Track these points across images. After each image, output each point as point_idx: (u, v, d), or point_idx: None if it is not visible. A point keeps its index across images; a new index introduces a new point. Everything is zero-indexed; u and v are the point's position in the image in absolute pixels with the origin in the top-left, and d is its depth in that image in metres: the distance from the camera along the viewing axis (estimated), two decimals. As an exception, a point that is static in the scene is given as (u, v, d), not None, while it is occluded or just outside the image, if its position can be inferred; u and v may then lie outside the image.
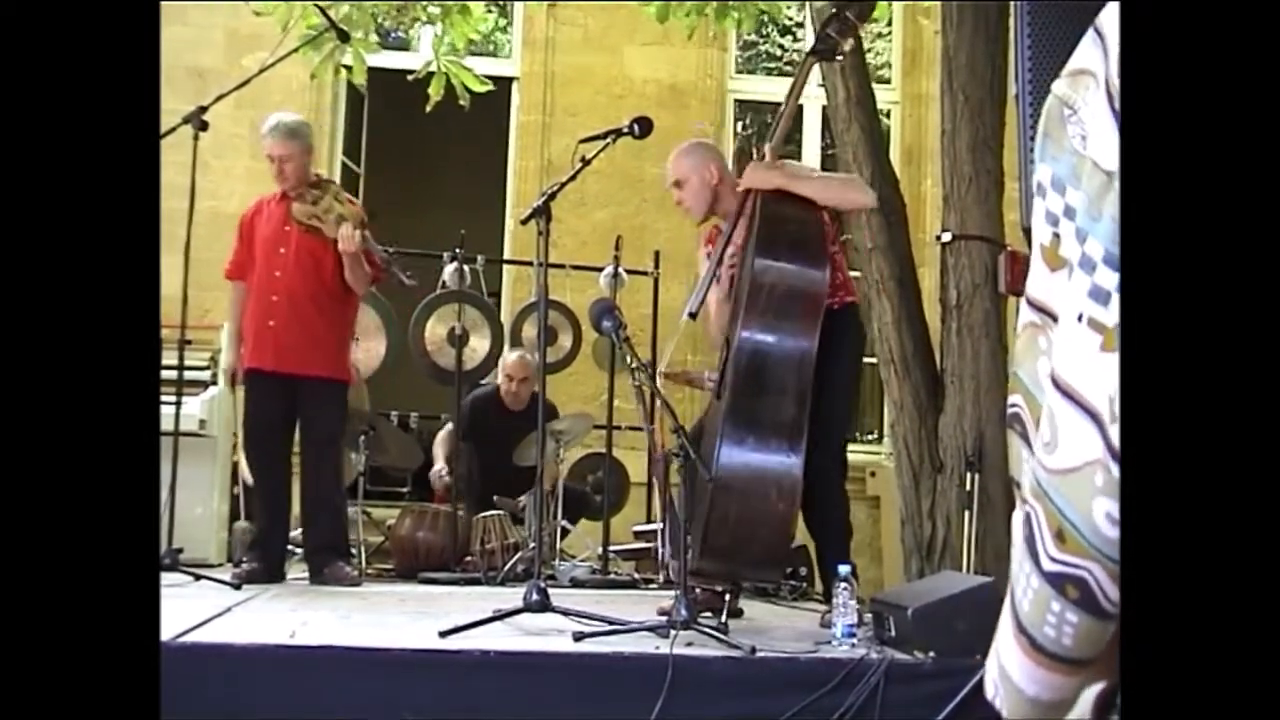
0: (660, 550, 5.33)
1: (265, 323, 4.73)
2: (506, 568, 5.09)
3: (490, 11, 6.97)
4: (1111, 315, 0.79)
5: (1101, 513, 0.78)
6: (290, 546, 5.03)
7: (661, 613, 3.37)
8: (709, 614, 3.42)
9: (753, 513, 3.41)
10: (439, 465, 5.90)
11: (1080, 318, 0.81)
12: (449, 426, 5.97)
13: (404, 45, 8.09)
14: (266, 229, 4.81)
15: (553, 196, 3.67)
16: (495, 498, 5.61)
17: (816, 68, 5.20)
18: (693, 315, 3.72)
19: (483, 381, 6.27)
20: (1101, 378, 0.79)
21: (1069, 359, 0.82)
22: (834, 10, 3.82)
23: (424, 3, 6.07)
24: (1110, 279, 0.80)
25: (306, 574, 4.79)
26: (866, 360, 4.25)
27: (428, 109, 5.82)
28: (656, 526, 5.66)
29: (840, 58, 4.05)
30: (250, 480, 5.10)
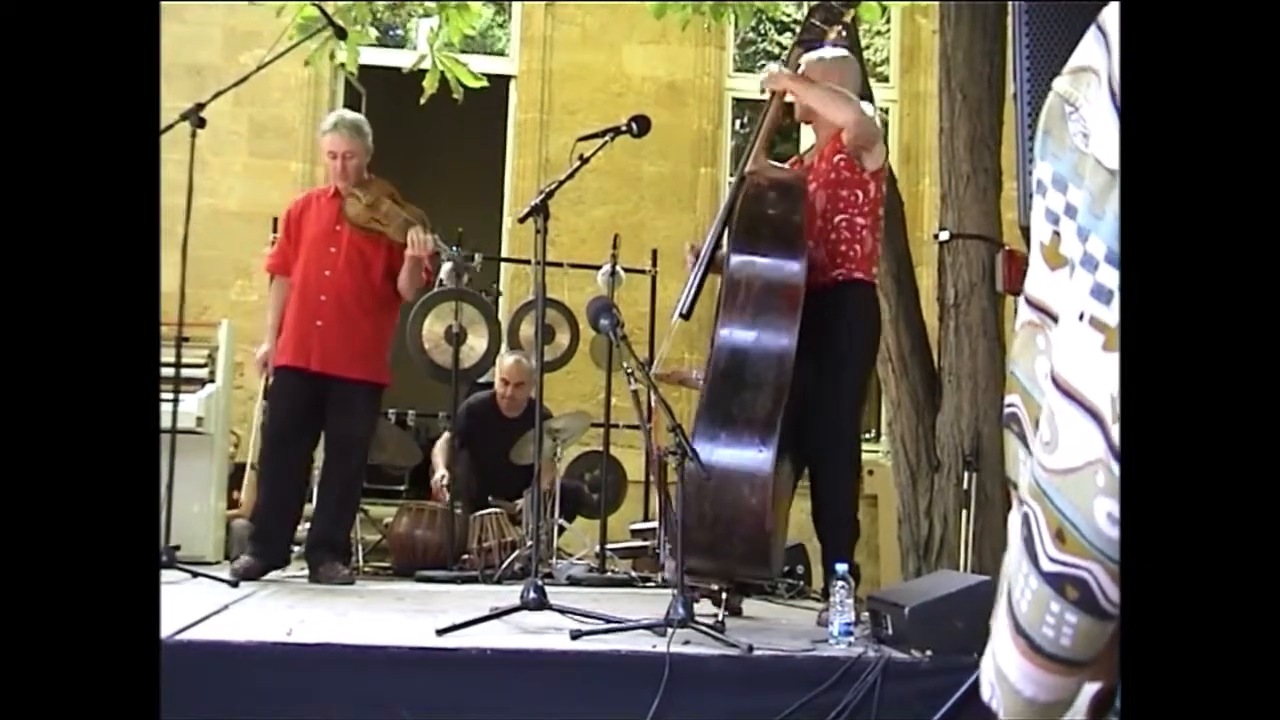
0: (657, 549, 5.33)
1: (312, 323, 4.63)
2: (504, 566, 5.09)
3: (489, 4, 6.95)
4: (1113, 314, 0.79)
5: (1103, 513, 0.78)
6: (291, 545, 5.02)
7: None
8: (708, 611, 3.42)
9: (726, 509, 3.42)
10: (441, 473, 5.86)
11: (1082, 316, 0.81)
12: (447, 434, 5.96)
13: (401, 43, 8.08)
14: (316, 227, 4.72)
15: (550, 194, 3.67)
16: (490, 498, 5.60)
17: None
18: (685, 316, 3.72)
19: (480, 380, 6.26)
20: (1103, 377, 0.79)
21: (1070, 358, 0.82)
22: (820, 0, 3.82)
23: (421, 1, 6.06)
24: (1113, 277, 0.80)
25: (305, 571, 4.79)
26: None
27: (421, 102, 5.81)
28: (654, 525, 5.66)
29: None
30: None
